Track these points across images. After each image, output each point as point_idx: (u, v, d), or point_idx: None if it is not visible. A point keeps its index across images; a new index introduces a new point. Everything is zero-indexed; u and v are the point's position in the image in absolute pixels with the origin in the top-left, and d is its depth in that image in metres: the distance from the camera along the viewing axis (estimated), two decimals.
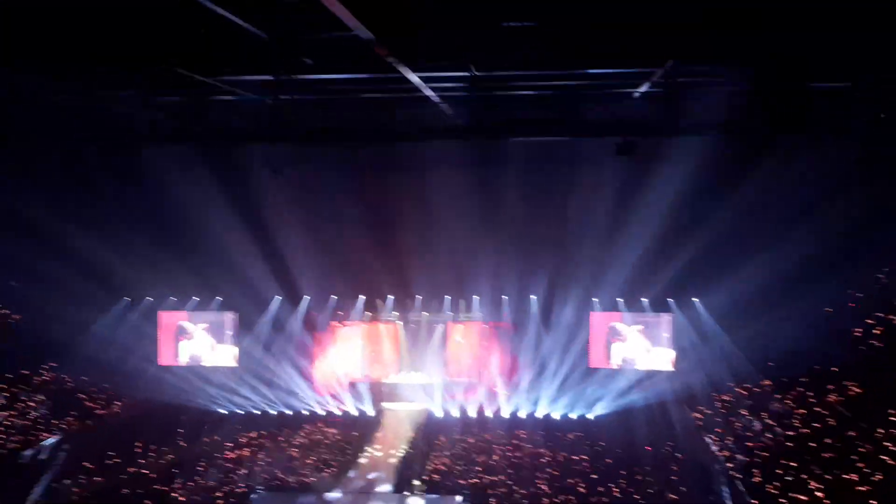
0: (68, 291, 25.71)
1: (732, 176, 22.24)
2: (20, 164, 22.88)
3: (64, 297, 25.70)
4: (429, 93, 14.61)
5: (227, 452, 26.49)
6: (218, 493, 23.34)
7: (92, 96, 16.32)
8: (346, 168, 25.09)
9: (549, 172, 24.29)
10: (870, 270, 23.31)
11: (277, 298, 30.07)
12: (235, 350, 30.33)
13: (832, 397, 21.70)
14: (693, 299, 27.73)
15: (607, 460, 24.63)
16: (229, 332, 30.36)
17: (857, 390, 21.12)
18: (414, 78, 13.08)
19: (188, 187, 24.97)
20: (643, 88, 14.46)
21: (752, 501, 19.42)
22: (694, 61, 12.41)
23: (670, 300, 28.14)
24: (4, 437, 23.63)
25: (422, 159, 24.11)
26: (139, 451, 25.87)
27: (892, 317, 21.91)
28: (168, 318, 30.57)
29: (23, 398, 25.86)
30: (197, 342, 30.41)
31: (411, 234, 26.93)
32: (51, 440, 24.57)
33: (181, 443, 26.89)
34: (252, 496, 23.17)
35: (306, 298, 30.27)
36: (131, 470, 24.49)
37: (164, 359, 30.39)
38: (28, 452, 23.56)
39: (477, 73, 13.24)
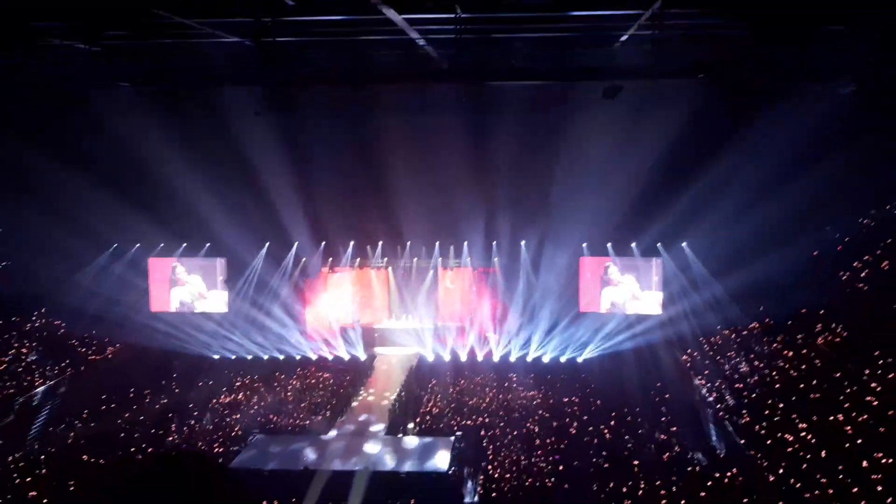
0: (55, 238, 25.62)
1: (722, 123, 22.13)
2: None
3: (51, 244, 25.62)
4: (414, 35, 14.35)
5: (222, 397, 26.72)
6: (213, 437, 23.57)
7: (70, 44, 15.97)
8: (333, 113, 24.83)
9: (539, 118, 24.07)
10: (855, 214, 23.40)
11: (266, 244, 30.09)
12: (226, 296, 30.45)
13: (819, 339, 21.90)
14: (682, 244, 27.81)
15: (597, 402, 24.90)
16: (220, 278, 30.45)
17: (844, 332, 21.30)
18: (398, 20, 12.84)
19: (174, 133, 24.73)
20: (630, 32, 14.21)
21: (740, 441, 19.68)
22: (682, 4, 12.16)
23: (659, 245, 28.24)
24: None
25: (410, 104, 23.82)
26: (133, 396, 26.08)
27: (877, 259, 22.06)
28: (158, 265, 30.59)
29: (15, 344, 25.91)
30: (188, 288, 30.48)
31: (401, 179, 26.72)
32: (45, 386, 24.70)
33: (175, 388, 27.09)
34: (248, 439, 23.40)
35: (296, 244, 30.27)
36: (127, 415, 24.69)
37: (156, 305, 30.50)
38: (23, 398, 23.68)
39: (463, 15, 12.96)
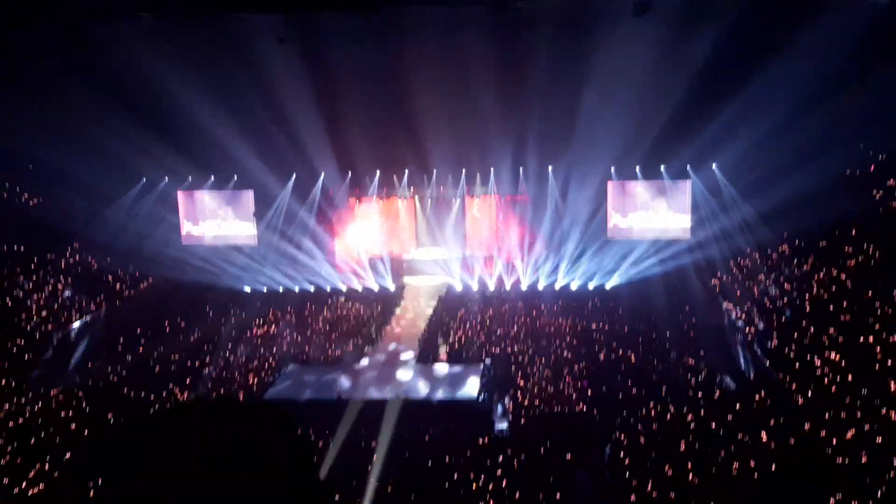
0: (84, 173, 25.76)
1: (754, 41, 21.52)
2: (23, 47, 22.71)
3: (81, 179, 25.79)
4: None
5: (255, 329, 27.14)
6: (247, 368, 24.02)
7: None
8: (358, 38, 24.49)
9: (566, 38, 23.53)
10: (892, 131, 22.80)
11: (293, 176, 30.05)
12: (255, 228, 30.63)
13: (850, 261, 21.62)
14: (712, 165, 27.37)
15: (625, 328, 24.97)
16: (248, 211, 30.60)
17: (875, 252, 20.99)
18: None
19: (199, 65, 24.58)
20: None
21: (768, 364, 19.68)
22: None
23: (689, 167, 27.80)
24: (37, 318, 24.22)
25: (436, 26, 23.42)
26: (168, 329, 26.56)
27: None
28: (187, 198, 30.79)
29: (51, 280, 26.30)
30: (217, 221, 30.69)
31: (425, 106, 26.40)
32: (82, 321, 25.16)
33: (209, 321, 27.51)
34: (282, 369, 23.81)
35: (322, 175, 30.21)
36: (162, 348, 25.17)
37: (187, 238, 30.81)
38: (61, 333, 24.17)
39: None
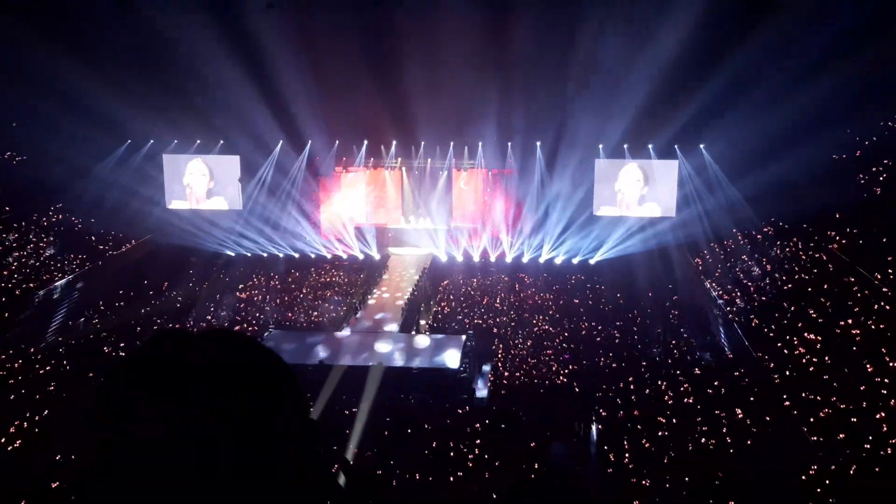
0: (70, 133, 25.47)
1: (744, 22, 21.55)
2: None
3: (66, 139, 25.51)
4: None
5: (238, 293, 27.07)
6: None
7: None
8: (348, 7, 24.30)
9: (556, 13, 23.46)
10: (879, 117, 22.92)
11: (280, 142, 29.84)
12: (240, 193, 30.43)
13: (833, 245, 21.79)
14: (700, 146, 27.43)
15: (608, 304, 25.12)
16: (234, 176, 30.36)
17: (859, 237, 21.16)
18: None
19: (188, 27, 24.31)
20: None
21: (748, 343, 19.86)
22: None
23: (676, 147, 27.84)
24: (19, 276, 24.00)
25: None
26: (150, 291, 26.42)
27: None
28: (172, 161, 30.48)
29: (33, 239, 26.06)
30: (202, 185, 30.44)
31: (415, 77, 26.25)
32: (64, 280, 24.97)
33: (191, 284, 27.41)
34: (264, 334, 23.76)
35: (309, 143, 30.02)
36: (144, 309, 25.04)
37: (171, 201, 30.57)
38: (42, 292, 23.98)
39: None
